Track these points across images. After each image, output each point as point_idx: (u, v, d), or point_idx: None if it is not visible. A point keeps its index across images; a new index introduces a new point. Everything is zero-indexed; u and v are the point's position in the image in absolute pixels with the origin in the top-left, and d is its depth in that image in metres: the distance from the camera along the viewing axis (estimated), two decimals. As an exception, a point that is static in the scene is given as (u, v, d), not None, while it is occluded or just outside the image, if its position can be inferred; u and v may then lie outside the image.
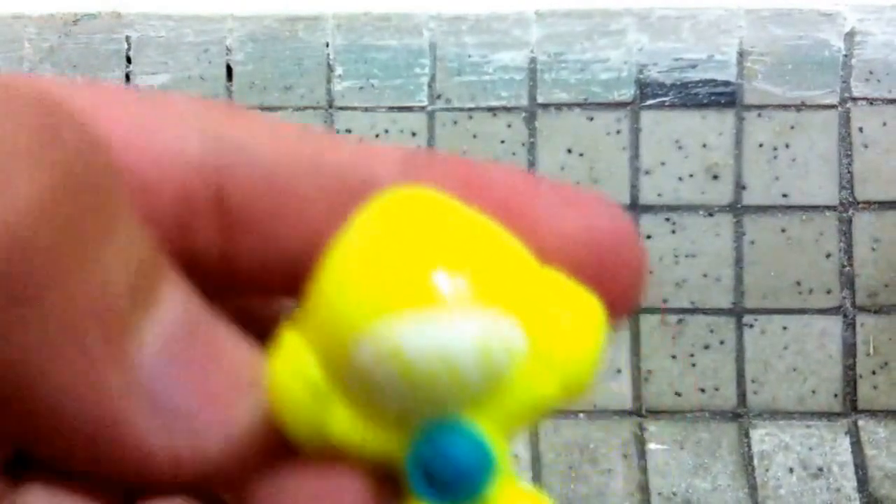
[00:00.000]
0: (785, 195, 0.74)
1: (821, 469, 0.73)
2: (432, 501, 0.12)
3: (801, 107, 0.74)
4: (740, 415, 0.74)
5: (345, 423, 0.12)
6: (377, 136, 0.75)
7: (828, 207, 0.74)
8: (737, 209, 0.74)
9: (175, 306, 0.12)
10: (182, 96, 0.13)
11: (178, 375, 0.11)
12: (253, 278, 0.14)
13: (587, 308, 0.13)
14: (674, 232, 0.74)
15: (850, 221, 0.74)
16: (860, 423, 0.74)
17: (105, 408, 0.11)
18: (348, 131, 0.74)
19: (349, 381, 0.12)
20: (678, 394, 0.74)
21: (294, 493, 0.12)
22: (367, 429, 0.12)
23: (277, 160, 0.13)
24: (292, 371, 0.12)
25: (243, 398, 0.12)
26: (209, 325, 0.12)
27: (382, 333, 0.11)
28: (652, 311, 0.74)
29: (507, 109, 0.74)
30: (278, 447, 0.12)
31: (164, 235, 0.13)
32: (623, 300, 0.13)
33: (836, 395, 0.74)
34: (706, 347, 0.74)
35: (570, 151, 0.74)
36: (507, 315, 0.11)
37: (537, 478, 0.73)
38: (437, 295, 0.11)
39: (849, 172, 0.74)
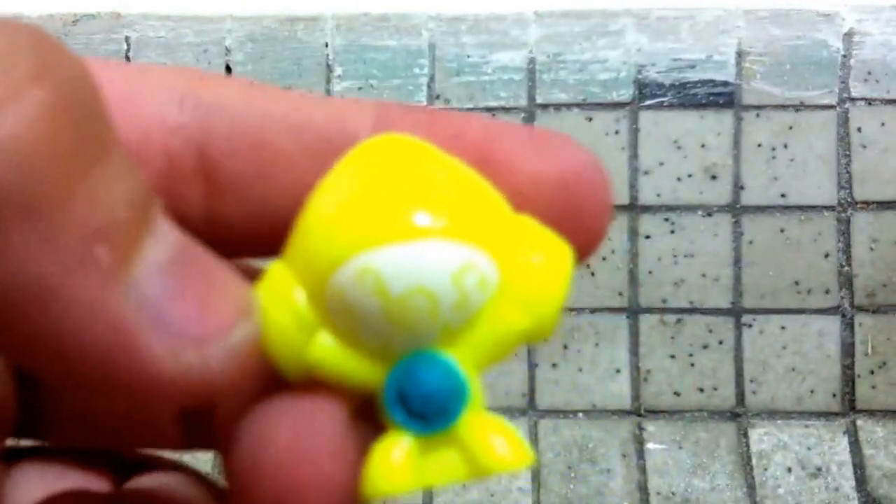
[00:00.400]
0: (783, 195, 0.74)
1: (819, 469, 0.73)
2: (408, 428, 0.13)
3: (799, 107, 0.74)
4: (739, 414, 0.74)
5: (326, 352, 0.13)
6: (376, 136, 0.75)
7: (826, 207, 0.74)
8: (735, 209, 0.74)
9: (171, 235, 0.12)
10: (157, 66, 0.14)
11: (181, 295, 0.12)
12: (239, 240, 0.14)
13: (556, 249, 0.13)
14: (672, 232, 0.74)
15: (848, 221, 0.74)
16: (858, 422, 0.74)
17: (114, 323, 0.11)
18: (347, 131, 0.74)
19: (332, 310, 0.12)
20: (677, 393, 0.74)
21: (273, 418, 0.13)
22: (348, 358, 0.13)
23: (256, 120, 0.13)
24: (278, 301, 0.13)
25: (241, 323, 0.12)
26: (204, 255, 0.12)
27: (363, 265, 0.12)
28: (651, 310, 0.74)
29: (505, 110, 0.75)
30: (271, 377, 0.13)
31: None
32: (591, 237, 0.13)
33: (834, 395, 0.74)
34: (705, 347, 0.74)
35: (568, 152, 0.74)
36: (482, 250, 0.12)
37: (536, 477, 0.73)
38: (415, 229, 0.12)
39: (847, 172, 0.74)
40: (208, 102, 0.13)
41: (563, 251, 0.13)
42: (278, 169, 0.13)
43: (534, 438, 0.74)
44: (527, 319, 0.13)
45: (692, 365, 0.74)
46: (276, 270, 0.13)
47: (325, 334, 0.13)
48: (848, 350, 0.74)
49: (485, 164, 0.13)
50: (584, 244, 0.13)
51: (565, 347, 0.74)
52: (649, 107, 0.74)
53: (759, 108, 0.74)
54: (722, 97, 0.74)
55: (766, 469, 0.73)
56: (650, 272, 0.74)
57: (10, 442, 0.14)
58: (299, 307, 0.12)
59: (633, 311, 0.74)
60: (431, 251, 0.12)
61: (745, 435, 0.74)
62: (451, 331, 0.12)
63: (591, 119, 0.74)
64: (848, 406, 0.74)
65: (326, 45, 0.75)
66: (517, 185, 0.13)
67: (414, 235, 0.12)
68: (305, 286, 0.12)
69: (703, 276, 0.74)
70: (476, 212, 0.12)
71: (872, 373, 0.74)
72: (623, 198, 0.74)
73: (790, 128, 0.74)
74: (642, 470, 0.73)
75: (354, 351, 0.13)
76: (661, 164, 0.74)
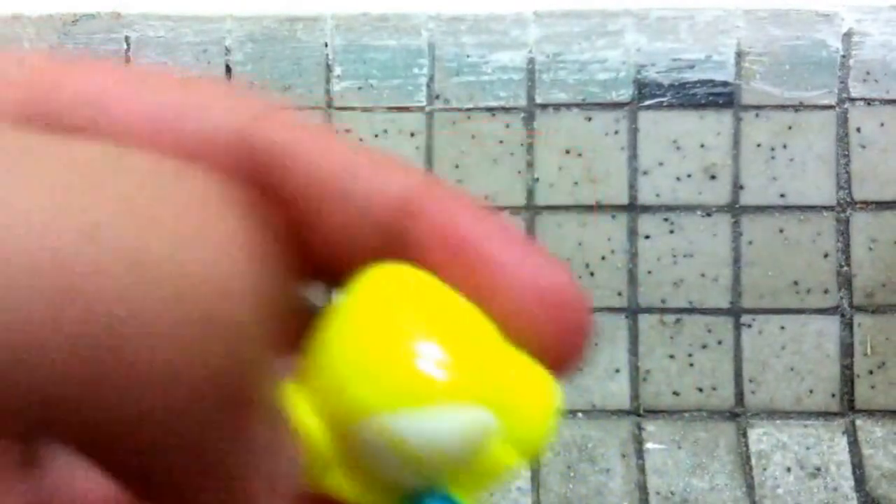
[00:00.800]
0: (782, 195, 0.74)
1: (818, 468, 0.73)
2: None
3: (798, 107, 0.74)
4: (738, 414, 0.74)
5: (343, 484, 0.14)
6: (376, 135, 0.75)
7: (825, 207, 0.74)
8: (734, 209, 0.74)
9: None
10: (222, 84, 0.13)
11: None
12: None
13: (545, 388, 0.15)
14: (672, 232, 0.74)
15: (847, 221, 0.74)
16: (857, 422, 0.74)
17: None
18: (347, 131, 0.74)
19: (350, 449, 0.14)
20: (676, 393, 0.74)
21: None
22: (363, 490, 0.14)
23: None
24: (299, 430, 0.14)
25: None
26: None
27: (383, 424, 0.14)
28: (650, 310, 0.74)
29: (505, 109, 0.75)
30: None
31: None
32: (571, 354, 0.14)
33: (833, 395, 0.74)
34: (704, 347, 0.74)
35: (568, 152, 0.74)
36: (485, 407, 0.14)
37: (535, 477, 0.73)
38: (429, 393, 0.13)
39: (846, 172, 0.74)
40: (271, 147, 0.13)
41: (550, 389, 0.15)
42: (316, 232, 0.13)
43: (533, 438, 0.74)
44: (518, 455, 0.14)
45: (691, 365, 0.74)
46: (296, 396, 0.14)
47: (341, 465, 0.14)
48: (847, 350, 0.74)
49: (471, 268, 0.13)
50: (566, 358, 0.14)
51: (565, 347, 0.74)
52: (649, 107, 0.74)
53: (758, 108, 0.74)
54: (721, 97, 0.74)
55: (765, 469, 0.73)
56: (649, 272, 0.74)
57: None
58: (320, 442, 0.14)
59: (633, 311, 0.74)
60: (445, 416, 0.13)
61: (745, 435, 0.74)
62: (455, 470, 0.14)
63: (590, 119, 0.74)
64: (847, 406, 0.74)
65: (326, 45, 0.75)
66: (501, 297, 0.13)
67: (429, 400, 0.13)
68: (323, 418, 0.14)
69: (703, 276, 0.74)
70: (478, 357, 0.14)
71: (871, 373, 0.74)
72: (622, 198, 0.74)
73: (789, 128, 0.74)
74: (641, 469, 0.73)
75: (368, 484, 0.14)
76: (661, 164, 0.74)
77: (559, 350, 0.13)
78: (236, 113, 0.13)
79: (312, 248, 0.13)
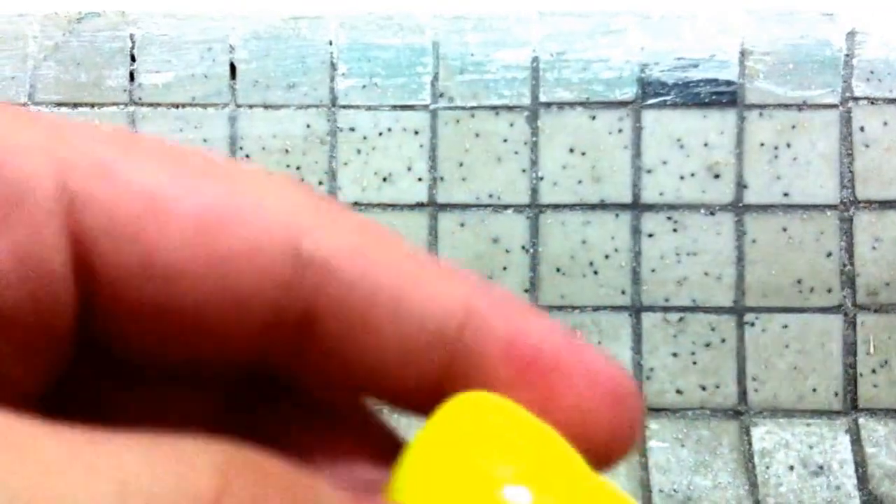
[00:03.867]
0: (786, 194, 0.74)
1: (821, 467, 0.73)
2: None
3: (802, 106, 0.74)
4: (741, 412, 0.74)
5: None
6: (380, 134, 0.75)
7: (829, 206, 0.74)
8: (738, 208, 0.74)
9: None
10: (273, 185, 0.13)
11: None
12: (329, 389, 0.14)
13: None
14: (675, 230, 0.74)
15: (850, 220, 0.74)
16: (860, 421, 0.74)
17: None
18: (351, 130, 0.74)
19: None
20: (679, 391, 0.74)
21: None
22: None
23: (365, 291, 0.13)
24: None
25: None
26: None
27: None
28: (654, 309, 0.74)
29: (509, 108, 0.75)
30: None
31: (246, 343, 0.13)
32: (628, 445, 0.14)
33: (836, 394, 0.74)
34: (707, 345, 0.74)
35: (571, 150, 0.74)
36: None
37: (539, 475, 0.73)
38: None
39: (850, 172, 0.74)
40: (323, 258, 0.12)
41: None
42: (371, 346, 0.13)
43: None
44: None
45: (694, 363, 0.74)
46: None
47: None
48: (850, 349, 0.74)
49: (538, 373, 0.13)
50: (620, 453, 0.14)
51: (568, 345, 0.74)
52: (652, 105, 0.74)
53: (761, 107, 0.74)
54: (725, 96, 0.74)
55: (768, 467, 0.73)
56: (653, 270, 0.74)
57: None
58: None
59: (636, 310, 0.74)
60: None
61: (748, 433, 0.74)
62: None
63: (594, 117, 0.75)
64: (850, 404, 0.74)
65: (330, 44, 0.75)
66: (568, 397, 0.13)
67: None
68: None
69: (706, 274, 0.74)
70: (565, 495, 0.14)
71: (874, 371, 0.74)
72: (626, 196, 0.74)
73: (793, 127, 0.74)
74: (644, 467, 0.73)
75: None
76: (664, 162, 0.74)
77: (618, 442, 0.13)
78: (286, 214, 0.12)
79: (355, 362, 0.13)
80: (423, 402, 0.13)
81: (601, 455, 0.13)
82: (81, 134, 0.12)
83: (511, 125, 0.75)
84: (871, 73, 0.74)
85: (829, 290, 0.74)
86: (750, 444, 0.74)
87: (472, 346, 0.13)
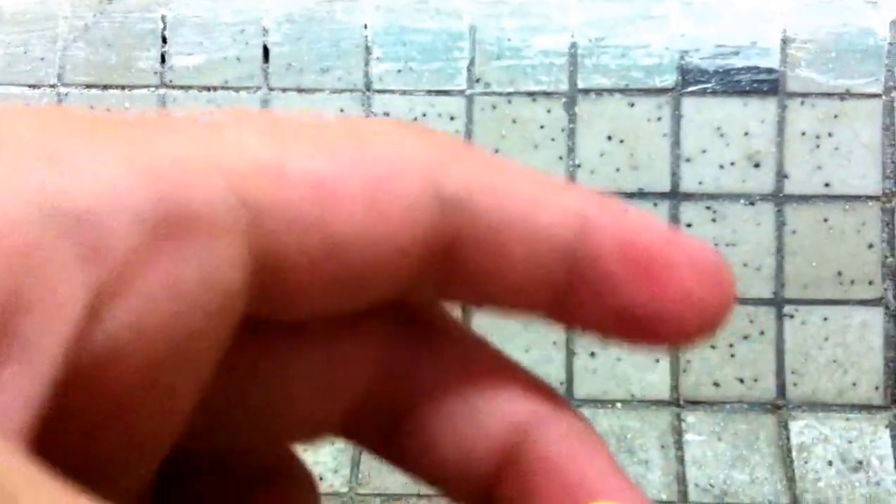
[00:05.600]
0: (827, 184, 0.73)
1: (860, 462, 0.72)
2: None
3: (844, 95, 0.73)
4: (779, 406, 0.73)
5: None
6: (415, 119, 0.74)
7: (870, 197, 0.73)
8: (778, 198, 0.73)
9: None
10: (399, 128, 0.14)
11: None
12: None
13: None
14: (714, 220, 0.73)
15: (892, 212, 0.73)
16: (901, 416, 0.73)
17: None
18: (386, 114, 0.73)
19: None
20: (717, 384, 0.73)
21: None
22: None
23: (498, 223, 0.14)
24: None
25: None
26: None
27: None
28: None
29: (546, 94, 0.74)
30: None
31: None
32: (724, 313, 0.15)
33: (877, 388, 0.73)
34: (746, 338, 0.73)
35: (610, 138, 0.73)
36: None
37: (574, 467, 0.72)
38: None
39: (892, 162, 0.73)
40: (462, 195, 0.14)
41: None
42: (505, 267, 0.14)
43: (571, 428, 0.73)
44: None
45: (732, 356, 0.73)
46: None
47: None
48: (891, 342, 0.73)
49: (647, 267, 0.15)
50: (717, 321, 0.15)
51: (604, 336, 0.73)
52: (692, 93, 0.73)
53: (803, 95, 0.73)
54: (766, 84, 0.73)
55: (806, 462, 0.72)
56: (691, 261, 0.73)
57: None
58: None
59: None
60: None
61: (786, 427, 0.73)
62: None
63: (632, 105, 0.73)
64: (890, 399, 0.73)
65: (365, 27, 0.74)
66: (675, 285, 0.15)
67: None
68: None
69: (745, 265, 0.73)
70: None
71: (916, 366, 0.73)
72: (664, 185, 0.73)
73: (835, 116, 0.73)
74: (681, 461, 0.72)
75: None
76: (704, 151, 0.73)
77: (718, 316, 0.15)
78: (424, 160, 0.14)
79: (492, 284, 0.14)
80: (557, 309, 0.15)
81: (703, 329, 0.15)
82: (230, 138, 0.12)
83: (548, 111, 0.73)
84: (916, 62, 0.73)
85: (871, 283, 0.73)
86: (788, 438, 0.72)
87: (590, 250, 0.14)
